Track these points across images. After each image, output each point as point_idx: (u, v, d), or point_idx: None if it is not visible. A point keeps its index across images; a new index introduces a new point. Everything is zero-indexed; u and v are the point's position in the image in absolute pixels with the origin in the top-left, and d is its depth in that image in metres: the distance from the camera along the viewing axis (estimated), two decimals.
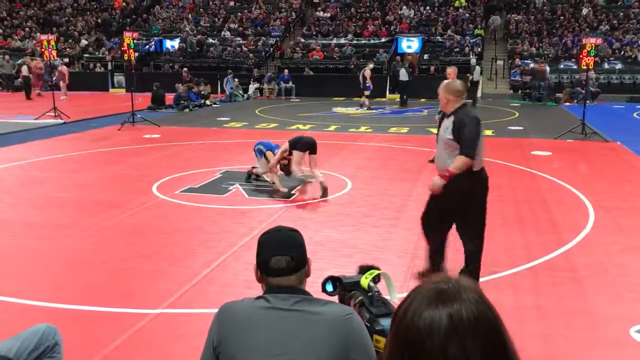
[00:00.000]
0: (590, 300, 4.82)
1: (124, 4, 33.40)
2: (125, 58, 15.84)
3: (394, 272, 5.24)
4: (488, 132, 14.52)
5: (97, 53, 29.04)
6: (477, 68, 22.04)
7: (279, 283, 1.93)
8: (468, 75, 20.42)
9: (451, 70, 10.64)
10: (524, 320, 4.47)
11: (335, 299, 2.23)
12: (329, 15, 30.51)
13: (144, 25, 31.61)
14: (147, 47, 28.79)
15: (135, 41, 16.85)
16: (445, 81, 5.08)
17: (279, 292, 1.91)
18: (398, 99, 23.37)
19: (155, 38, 29.55)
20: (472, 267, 4.95)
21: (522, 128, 15.10)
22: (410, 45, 26.70)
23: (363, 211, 7.49)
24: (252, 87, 24.08)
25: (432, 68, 24.88)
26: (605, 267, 5.54)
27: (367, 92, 19.81)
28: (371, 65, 21.04)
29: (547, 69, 22.85)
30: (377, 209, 7.63)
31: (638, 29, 26.64)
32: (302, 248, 2.01)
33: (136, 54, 22.57)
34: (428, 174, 9.65)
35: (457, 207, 4.87)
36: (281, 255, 1.93)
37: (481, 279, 5.23)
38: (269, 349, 1.81)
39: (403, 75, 21.52)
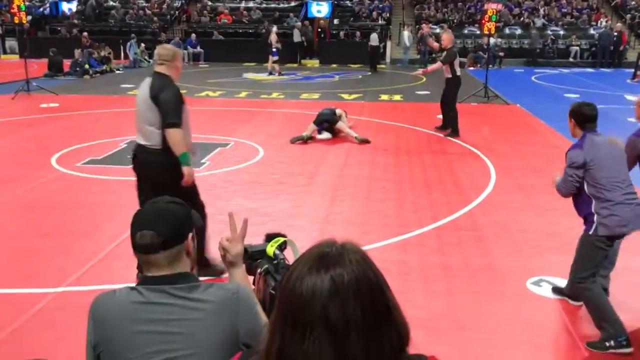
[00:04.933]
0: (491, 257, 5.08)
1: None
2: (16, 21, 14.67)
3: (306, 237, 5.26)
4: (397, 97, 14.83)
5: None
6: (274, 28, 21.07)
7: (146, 260, 1.75)
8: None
9: (446, 36, 10.10)
10: (430, 279, 4.64)
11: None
12: None
13: None
14: (41, 9, 26.85)
15: (27, 3, 15.65)
16: None
17: (156, 281, 1.74)
18: (310, 65, 23.27)
19: (50, 0, 27.59)
20: None
21: (429, 92, 15.50)
22: (320, 9, 26.57)
23: (276, 178, 7.45)
24: None
25: (342, 33, 24.94)
26: (506, 225, 5.84)
27: (274, 58, 19.38)
28: (274, 29, 20.43)
29: (428, 32, 23.04)
30: (290, 175, 7.62)
31: None
32: (176, 222, 1.78)
33: (29, 17, 21.03)
34: (340, 138, 9.73)
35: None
36: (147, 230, 1.73)
37: (390, 240, 5.38)
38: (152, 346, 1.67)
39: (374, 39, 21.08)
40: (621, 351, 3.55)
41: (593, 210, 3.67)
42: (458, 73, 9.95)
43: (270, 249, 2.02)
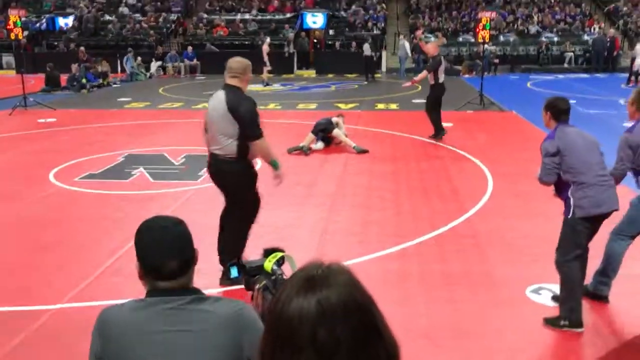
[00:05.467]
0: (490, 264, 5.08)
1: None
2: (13, 37, 14.70)
3: (304, 249, 5.28)
4: (393, 106, 14.88)
5: None
6: (267, 39, 21.26)
7: (171, 286, 1.78)
8: None
9: (431, 45, 10.65)
10: (430, 287, 4.64)
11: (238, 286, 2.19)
12: None
13: (33, 1, 29.51)
14: (37, 25, 26.93)
15: (23, 19, 15.70)
16: None
17: (163, 294, 1.77)
18: (307, 75, 23.34)
19: (47, 15, 27.68)
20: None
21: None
22: (315, 20, 26.67)
23: (274, 189, 7.43)
24: (155, 65, 23.22)
25: (338, 43, 25.05)
26: (504, 232, 5.85)
27: (267, 68, 19.45)
28: (267, 40, 20.50)
29: (420, 35, 23.07)
30: (288, 186, 7.60)
31: (528, 3, 28.09)
32: (191, 243, 1.84)
33: (25, 33, 21.09)
34: (338, 148, 9.75)
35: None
36: (173, 259, 1.76)
37: (390, 250, 5.38)
38: (158, 357, 1.70)
39: (367, 49, 21.12)
40: (573, 330, 3.88)
41: (569, 194, 3.90)
42: (440, 80, 10.29)
43: (268, 264, 2.03)
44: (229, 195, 4.74)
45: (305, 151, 9.42)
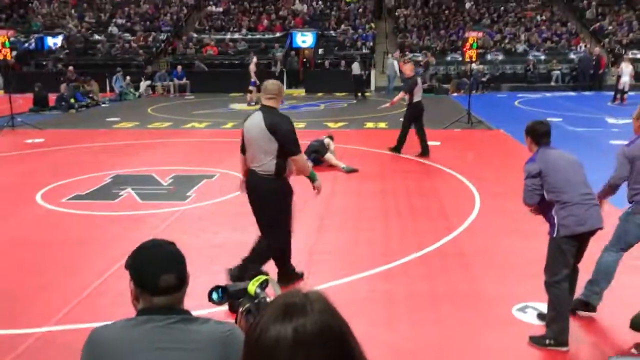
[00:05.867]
0: (477, 283, 5.10)
1: None
2: (1, 58, 14.68)
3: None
4: (382, 125, 14.97)
5: None
6: (254, 58, 21.37)
7: (166, 302, 1.81)
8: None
9: (407, 67, 11.09)
10: (417, 308, 4.64)
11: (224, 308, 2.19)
12: (221, 9, 30.07)
13: (21, 21, 29.56)
14: (26, 44, 26.93)
15: (12, 39, 15.68)
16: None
17: (155, 313, 1.79)
18: (296, 94, 23.47)
19: (35, 35, 27.69)
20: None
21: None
22: (304, 40, 26.89)
23: None
24: (144, 84, 23.25)
25: (327, 62, 25.24)
26: (491, 250, 5.88)
27: (250, 88, 19.35)
28: (254, 59, 20.57)
29: (398, 56, 23.24)
30: None
31: (516, 22, 28.49)
32: (185, 263, 1.90)
33: (14, 53, 21.09)
34: (327, 167, 9.77)
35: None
36: (170, 272, 1.82)
37: (377, 269, 5.38)
38: None
39: (356, 68, 21.33)
40: (558, 349, 3.90)
41: (553, 213, 3.95)
42: (415, 100, 10.62)
43: (252, 287, 2.03)
44: (260, 213, 4.90)
45: None
